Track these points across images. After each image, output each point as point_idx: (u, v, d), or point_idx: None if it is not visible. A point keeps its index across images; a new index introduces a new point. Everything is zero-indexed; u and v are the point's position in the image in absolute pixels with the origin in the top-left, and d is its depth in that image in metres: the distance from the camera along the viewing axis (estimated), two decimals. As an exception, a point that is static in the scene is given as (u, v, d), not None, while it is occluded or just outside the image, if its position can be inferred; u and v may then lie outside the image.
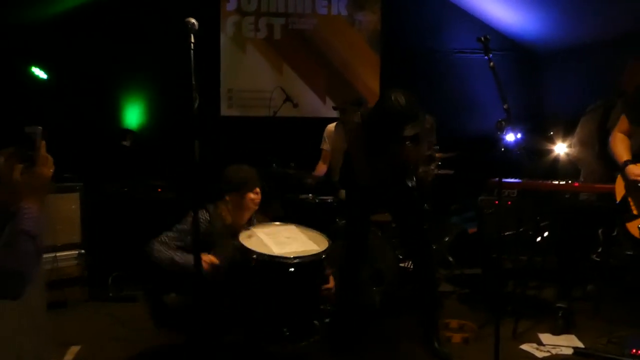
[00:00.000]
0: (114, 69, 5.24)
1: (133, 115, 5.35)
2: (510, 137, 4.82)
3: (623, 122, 2.81)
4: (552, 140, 4.74)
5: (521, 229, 3.91)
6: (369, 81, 5.90)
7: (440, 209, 4.78)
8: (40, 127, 1.41)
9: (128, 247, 4.44)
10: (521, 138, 5.10)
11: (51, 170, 1.47)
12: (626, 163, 2.68)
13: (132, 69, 5.27)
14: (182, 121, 2.51)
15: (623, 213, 2.70)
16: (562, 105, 5.46)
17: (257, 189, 3.08)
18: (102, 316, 3.86)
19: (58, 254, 4.07)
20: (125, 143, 5.06)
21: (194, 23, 2.15)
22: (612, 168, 2.99)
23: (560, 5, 5.15)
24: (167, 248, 2.89)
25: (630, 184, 2.62)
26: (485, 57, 2.61)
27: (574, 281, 3.69)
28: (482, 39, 2.63)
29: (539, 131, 5.06)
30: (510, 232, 3.85)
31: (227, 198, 3.07)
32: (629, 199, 2.66)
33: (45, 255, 3.98)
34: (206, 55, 5.32)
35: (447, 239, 4.75)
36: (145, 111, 5.38)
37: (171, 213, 4.36)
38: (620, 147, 2.75)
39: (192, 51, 2.13)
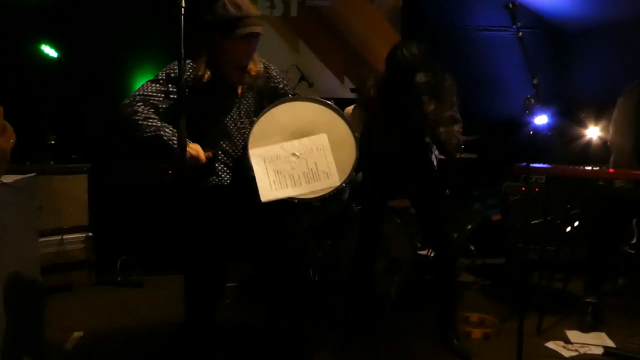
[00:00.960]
0: (126, 48, 5.09)
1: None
2: (539, 119, 4.59)
3: None
4: (583, 124, 4.47)
5: (549, 218, 3.71)
6: (388, 60, 5.66)
7: (462, 194, 4.58)
8: None
9: (137, 230, 4.38)
10: (550, 121, 4.88)
11: (11, 141, 1.28)
12: None
13: (144, 48, 5.12)
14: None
15: None
16: (593, 87, 5.19)
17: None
18: (108, 301, 3.77)
19: (65, 237, 3.98)
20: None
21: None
22: None
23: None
24: (151, 112, 2.33)
25: None
26: (513, 27, 2.38)
27: (605, 274, 3.48)
28: (510, 5, 2.40)
29: (569, 114, 4.81)
30: (537, 221, 3.65)
31: (213, 39, 2.38)
32: None
33: (51, 238, 3.93)
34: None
35: (469, 227, 4.54)
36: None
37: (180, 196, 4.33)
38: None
39: (182, 17, 1.95)
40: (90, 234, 4.12)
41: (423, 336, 3.17)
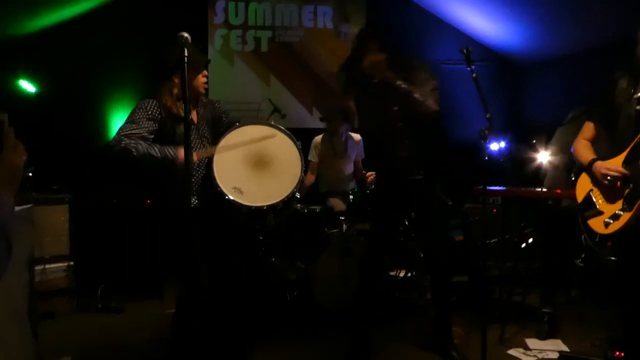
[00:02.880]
0: (102, 81, 5.27)
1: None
2: (494, 145, 4.94)
3: (588, 129, 2.90)
4: (534, 148, 4.83)
5: (506, 236, 3.98)
6: (355, 92, 5.97)
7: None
8: (6, 114, 1.34)
9: (117, 257, 4.49)
10: (505, 146, 5.24)
11: (23, 158, 1.35)
12: (594, 160, 2.73)
13: (121, 81, 5.30)
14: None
15: (585, 210, 2.76)
16: (543, 114, 5.58)
17: (205, 72, 2.89)
18: (91, 327, 3.85)
19: (47, 266, 4.07)
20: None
21: (187, 37, 2.21)
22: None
23: (540, 17, 5.28)
24: (132, 141, 2.65)
25: (599, 178, 2.68)
26: (468, 68, 2.68)
27: (559, 287, 3.76)
28: (465, 50, 2.71)
29: (522, 139, 5.15)
30: (495, 239, 3.91)
31: (176, 80, 2.76)
32: (593, 196, 2.73)
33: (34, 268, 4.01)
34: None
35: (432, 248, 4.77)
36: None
37: (159, 223, 4.45)
38: (585, 150, 2.83)
39: (185, 65, 2.17)
40: (72, 262, 4.22)
41: (399, 344, 3.39)
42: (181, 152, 2.59)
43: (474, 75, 2.65)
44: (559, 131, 3.89)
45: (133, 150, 2.58)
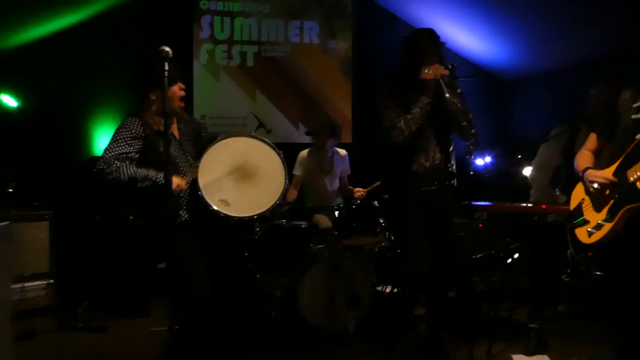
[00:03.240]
0: (86, 96, 5.23)
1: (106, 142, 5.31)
2: (480, 161, 4.95)
3: (591, 141, 2.86)
4: (520, 164, 4.85)
5: (492, 251, 3.97)
6: (341, 107, 6.02)
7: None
8: None
9: (100, 275, 4.41)
10: (491, 162, 5.26)
11: None
12: (587, 169, 2.70)
13: (105, 96, 5.26)
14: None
15: (575, 219, 2.75)
16: (529, 130, 5.61)
17: (182, 84, 2.91)
18: (72, 347, 3.76)
19: (26, 284, 3.98)
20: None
21: (167, 51, 2.19)
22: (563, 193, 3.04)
23: (525, 34, 5.34)
24: (122, 163, 2.70)
25: (588, 188, 2.66)
26: (459, 78, 2.69)
27: (546, 302, 3.74)
28: (450, 66, 2.71)
29: (508, 155, 5.17)
30: (481, 255, 3.90)
31: (153, 97, 2.81)
32: (583, 205, 2.70)
33: (12, 285, 3.92)
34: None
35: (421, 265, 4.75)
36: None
37: (143, 240, 4.39)
38: (583, 159, 2.77)
39: (166, 79, 2.15)
40: (52, 280, 4.14)
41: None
42: (176, 181, 2.69)
43: (459, 91, 2.65)
44: (542, 147, 3.91)
45: (122, 176, 2.65)
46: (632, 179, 2.39)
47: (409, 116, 2.93)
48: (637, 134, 2.45)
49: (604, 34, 4.64)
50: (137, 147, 2.74)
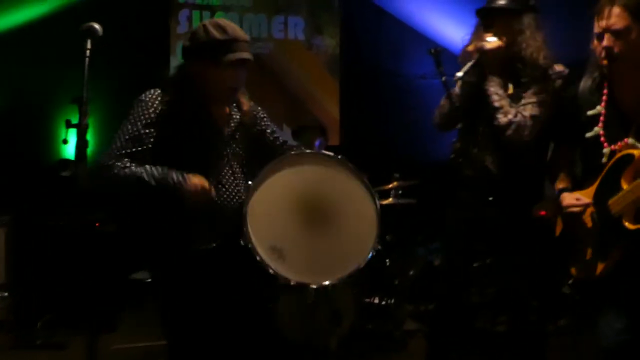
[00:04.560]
0: (51, 95, 4.93)
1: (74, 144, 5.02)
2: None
3: (561, 149, 2.51)
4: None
5: (488, 260, 3.71)
6: (328, 106, 5.77)
7: (405, 239, 4.56)
8: None
9: (60, 287, 4.11)
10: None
11: None
12: (561, 191, 2.25)
13: (73, 95, 4.97)
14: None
15: (562, 248, 2.37)
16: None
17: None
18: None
19: (-21, 297, 3.69)
20: (65, 174, 4.70)
21: (94, 27, 1.90)
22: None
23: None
24: (130, 163, 2.02)
25: (566, 215, 2.27)
26: (437, 71, 2.39)
27: (548, 315, 3.49)
28: (432, 51, 2.42)
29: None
30: (477, 264, 3.64)
31: (194, 68, 2.10)
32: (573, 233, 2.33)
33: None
34: (157, 79, 5.10)
35: (411, 272, 4.49)
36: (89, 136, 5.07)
37: (110, 248, 4.11)
38: (556, 173, 2.40)
39: (86, 59, 1.86)
40: (6, 293, 3.85)
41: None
42: (193, 179, 1.98)
43: (444, 79, 2.36)
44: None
45: (119, 179, 1.99)
46: (616, 213, 2.02)
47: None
48: (599, 150, 2.10)
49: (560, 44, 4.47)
50: (147, 138, 2.06)
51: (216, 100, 2.16)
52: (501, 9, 2.53)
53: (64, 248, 4.14)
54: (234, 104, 2.23)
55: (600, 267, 2.10)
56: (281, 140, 2.39)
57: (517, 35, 2.46)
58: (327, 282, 2.10)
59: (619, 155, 2.03)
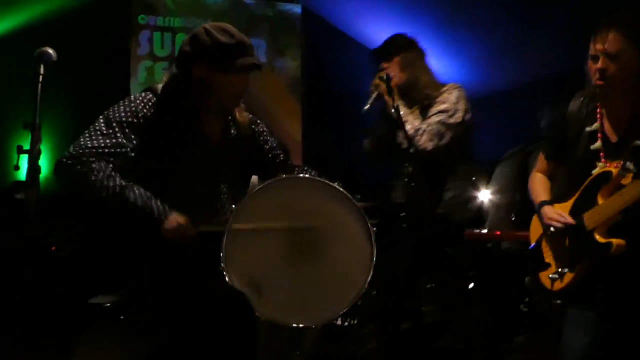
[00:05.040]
0: (7, 121, 4.83)
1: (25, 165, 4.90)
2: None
3: (542, 162, 2.64)
4: (475, 187, 4.67)
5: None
6: (290, 128, 5.80)
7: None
8: None
9: (12, 313, 3.96)
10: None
11: None
12: (542, 204, 2.40)
13: (29, 115, 4.87)
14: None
15: (535, 260, 2.49)
16: (485, 151, 5.51)
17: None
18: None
19: None
20: (19, 196, 4.58)
21: (47, 52, 1.88)
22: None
23: (479, 54, 5.31)
24: (111, 170, 1.85)
25: (544, 227, 2.41)
26: (387, 97, 2.48)
27: (504, 333, 3.54)
28: (385, 77, 2.50)
29: (462, 178, 5.01)
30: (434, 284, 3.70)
31: (196, 74, 1.94)
32: (543, 245, 2.45)
33: None
34: (115, 101, 5.03)
35: (374, 293, 4.51)
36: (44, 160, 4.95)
37: (66, 274, 4.01)
38: (538, 187, 2.53)
39: (39, 84, 1.84)
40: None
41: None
42: (174, 219, 1.83)
43: (393, 110, 2.47)
44: (498, 169, 3.75)
45: (96, 183, 1.82)
46: (590, 226, 2.13)
47: None
48: (593, 167, 2.20)
49: (560, 53, 4.63)
50: (122, 144, 1.93)
51: (214, 110, 2.02)
52: (385, 50, 3.03)
53: (16, 272, 4.01)
54: (230, 117, 2.10)
55: (568, 278, 2.18)
56: (282, 159, 2.26)
57: (408, 69, 2.90)
58: (307, 323, 1.96)
59: (598, 172, 2.14)
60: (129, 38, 5.34)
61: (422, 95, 2.88)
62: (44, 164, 4.82)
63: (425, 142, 2.71)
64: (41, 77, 1.87)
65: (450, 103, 2.90)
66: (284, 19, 5.78)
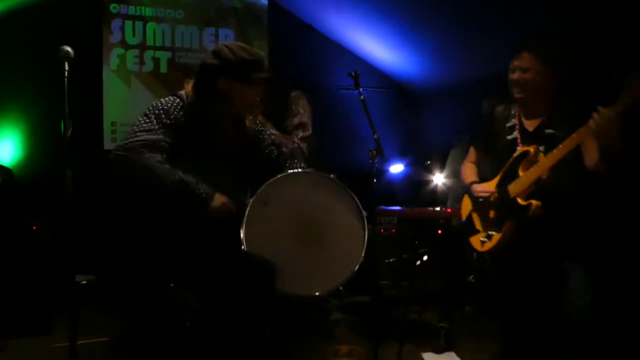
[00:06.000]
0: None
1: (5, 151, 4.98)
2: (394, 168, 5.10)
3: (472, 154, 3.29)
4: (430, 170, 5.06)
5: (404, 256, 4.09)
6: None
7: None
8: None
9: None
10: (405, 169, 5.44)
11: None
12: (472, 183, 3.06)
13: (3, 101, 4.94)
14: (58, 155, 2.37)
15: (468, 229, 3.07)
16: (439, 139, 5.85)
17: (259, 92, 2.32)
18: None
19: None
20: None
21: (68, 51, 2.11)
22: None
23: (435, 48, 5.55)
24: (161, 159, 2.15)
25: (475, 201, 2.98)
26: (356, 91, 2.78)
27: (454, 303, 3.90)
28: (353, 74, 2.83)
29: (419, 163, 5.37)
30: (392, 259, 4.01)
31: (220, 85, 2.28)
32: (473, 216, 3.04)
33: None
34: (88, 88, 5.14)
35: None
36: (19, 146, 5.03)
37: (49, 257, 4.12)
38: (467, 172, 3.20)
39: (65, 79, 2.07)
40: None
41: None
42: (220, 198, 2.18)
43: (362, 97, 2.76)
44: (450, 156, 4.16)
45: (158, 169, 2.10)
46: (512, 193, 2.76)
47: None
48: (513, 152, 2.83)
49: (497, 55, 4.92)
50: (164, 139, 2.19)
51: (229, 116, 2.35)
52: None
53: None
54: (237, 121, 2.43)
55: (496, 238, 2.83)
56: (275, 154, 2.60)
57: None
58: (315, 292, 2.30)
59: (519, 152, 2.79)
60: (100, 26, 5.42)
61: None
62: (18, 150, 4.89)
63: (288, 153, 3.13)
64: (66, 73, 2.06)
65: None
66: (250, 11, 5.91)
